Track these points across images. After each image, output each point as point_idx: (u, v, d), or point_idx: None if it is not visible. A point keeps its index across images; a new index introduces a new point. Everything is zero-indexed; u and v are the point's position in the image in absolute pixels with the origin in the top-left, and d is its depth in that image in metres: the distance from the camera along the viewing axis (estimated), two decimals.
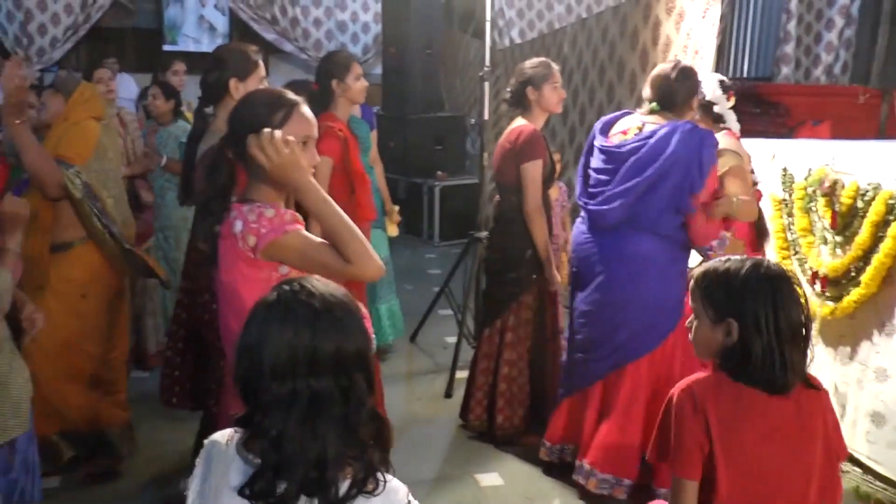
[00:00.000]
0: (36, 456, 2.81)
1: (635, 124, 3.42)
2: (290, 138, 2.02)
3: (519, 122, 3.93)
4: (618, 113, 3.61)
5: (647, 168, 3.26)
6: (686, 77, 3.41)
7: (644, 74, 3.94)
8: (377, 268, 2.04)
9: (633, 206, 3.31)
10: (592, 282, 3.49)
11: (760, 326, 1.86)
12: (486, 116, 5.04)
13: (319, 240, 2.06)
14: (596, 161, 3.50)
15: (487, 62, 4.98)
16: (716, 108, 3.69)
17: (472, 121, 6.69)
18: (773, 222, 4.06)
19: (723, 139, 3.54)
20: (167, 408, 3.51)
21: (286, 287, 1.46)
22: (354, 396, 1.40)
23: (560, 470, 3.70)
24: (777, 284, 1.88)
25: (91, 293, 3.48)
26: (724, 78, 3.79)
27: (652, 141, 3.27)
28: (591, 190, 3.48)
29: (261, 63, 3.04)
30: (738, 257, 1.97)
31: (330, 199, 2.06)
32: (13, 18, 8.49)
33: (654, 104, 3.41)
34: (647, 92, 3.49)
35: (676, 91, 3.38)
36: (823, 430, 1.96)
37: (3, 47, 8.49)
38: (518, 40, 8.50)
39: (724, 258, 2.00)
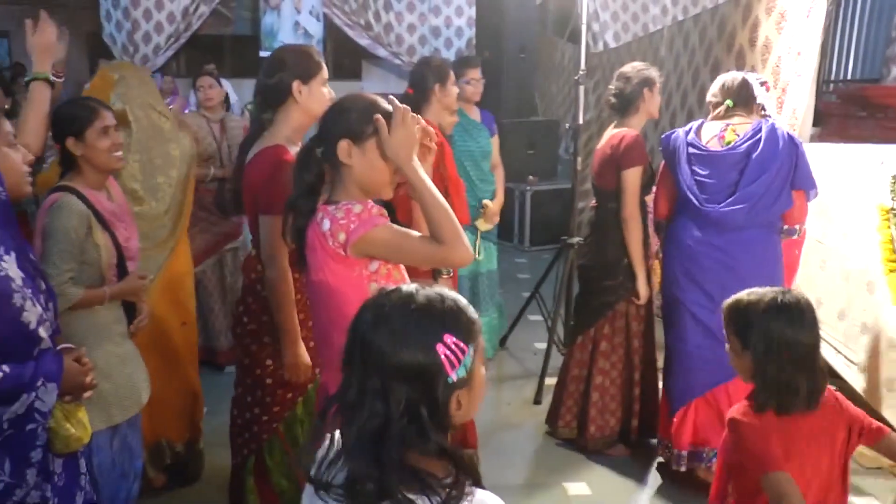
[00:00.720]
0: (138, 439, 2.95)
1: (728, 127, 3.50)
2: (416, 115, 2.10)
3: (621, 127, 3.88)
4: (693, 123, 3.65)
5: (771, 163, 3.37)
6: (750, 82, 3.60)
7: None
8: (467, 253, 2.08)
9: (758, 202, 3.39)
10: (720, 282, 3.45)
11: (762, 354, 2.04)
12: (581, 121, 4.99)
13: (405, 229, 2.09)
14: (699, 168, 3.53)
15: (583, 66, 4.93)
16: (759, 100, 3.79)
17: (567, 125, 6.62)
18: (880, 233, 3.88)
19: None
20: None
21: (379, 289, 1.47)
22: (419, 417, 1.31)
23: (688, 479, 3.60)
24: (776, 315, 2.04)
25: None
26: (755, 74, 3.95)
27: (764, 137, 3.40)
28: (704, 195, 3.51)
29: (324, 64, 2.85)
30: (762, 290, 2.13)
31: (430, 182, 2.09)
32: (122, 28, 8.85)
33: (729, 101, 3.54)
34: (718, 97, 3.60)
35: (752, 94, 3.55)
36: (840, 445, 2.10)
37: (112, 56, 8.88)
38: (612, 44, 8.37)
39: (751, 290, 2.17)
